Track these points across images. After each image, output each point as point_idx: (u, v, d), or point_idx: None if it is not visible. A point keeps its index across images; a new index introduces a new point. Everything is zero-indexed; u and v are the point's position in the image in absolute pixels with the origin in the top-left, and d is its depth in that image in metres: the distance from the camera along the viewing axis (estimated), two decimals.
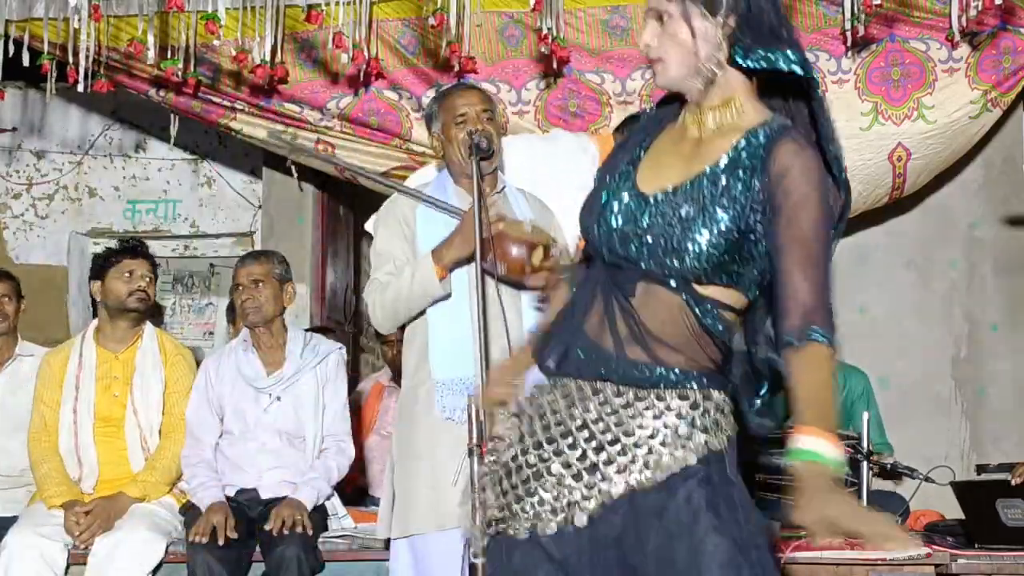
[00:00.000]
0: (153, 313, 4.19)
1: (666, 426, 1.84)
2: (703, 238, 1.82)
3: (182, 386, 3.83)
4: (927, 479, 3.72)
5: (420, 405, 2.93)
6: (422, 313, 2.93)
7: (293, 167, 5.23)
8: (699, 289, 1.86)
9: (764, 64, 1.83)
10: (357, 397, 4.79)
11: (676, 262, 1.83)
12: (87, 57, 4.21)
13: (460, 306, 2.88)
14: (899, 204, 4.87)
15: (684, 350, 1.86)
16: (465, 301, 2.87)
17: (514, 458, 1.94)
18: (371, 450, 4.67)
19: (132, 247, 3.94)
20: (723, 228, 1.82)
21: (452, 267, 2.85)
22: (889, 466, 3.84)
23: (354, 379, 5.19)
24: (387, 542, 3.12)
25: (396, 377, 4.76)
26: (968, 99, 4.40)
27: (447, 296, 2.89)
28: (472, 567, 2.03)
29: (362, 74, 4.41)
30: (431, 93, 4.53)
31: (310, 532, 3.46)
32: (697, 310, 1.85)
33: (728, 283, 1.86)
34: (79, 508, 3.58)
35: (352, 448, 3.79)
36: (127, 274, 3.84)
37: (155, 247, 5.87)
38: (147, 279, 3.87)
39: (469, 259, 2.77)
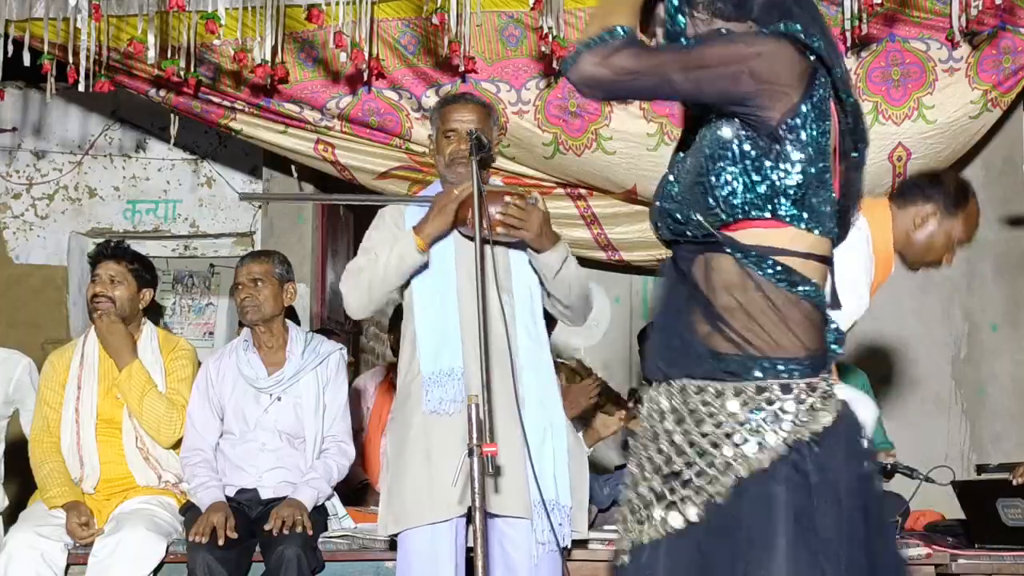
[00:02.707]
0: (154, 312, 4.17)
1: (743, 423, 1.76)
2: (711, 170, 1.80)
3: (183, 375, 3.81)
4: (927, 479, 3.71)
5: (412, 400, 2.95)
6: (399, 307, 2.98)
7: (293, 167, 5.23)
8: (743, 239, 1.78)
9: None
10: (356, 394, 4.77)
11: (703, 213, 1.79)
12: (87, 57, 4.21)
13: (447, 300, 2.90)
14: None
15: (762, 327, 1.75)
16: (452, 294, 2.89)
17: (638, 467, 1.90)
18: (382, 452, 4.62)
19: (100, 251, 3.89)
20: (719, 147, 1.81)
21: (432, 241, 2.89)
22: (889, 466, 3.84)
23: (354, 379, 5.18)
24: (391, 541, 3.13)
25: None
26: (968, 99, 4.40)
27: (424, 266, 2.92)
28: (470, 559, 2.04)
29: (363, 74, 4.41)
30: (431, 93, 4.54)
31: (310, 532, 3.45)
32: (750, 262, 1.77)
33: (768, 217, 1.77)
34: (83, 516, 3.57)
35: (352, 449, 3.79)
36: (94, 278, 3.83)
37: (155, 247, 5.93)
38: (112, 282, 3.79)
39: (447, 232, 2.88)
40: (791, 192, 1.77)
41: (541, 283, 2.97)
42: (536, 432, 2.84)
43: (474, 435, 2.35)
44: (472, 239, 2.70)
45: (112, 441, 3.77)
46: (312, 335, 3.94)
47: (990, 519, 3.38)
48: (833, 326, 1.79)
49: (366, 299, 2.98)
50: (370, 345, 6.66)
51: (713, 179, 1.79)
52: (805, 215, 1.78)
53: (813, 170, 1.77)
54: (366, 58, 4.28)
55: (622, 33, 1.81)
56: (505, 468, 2.69)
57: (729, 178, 1.78)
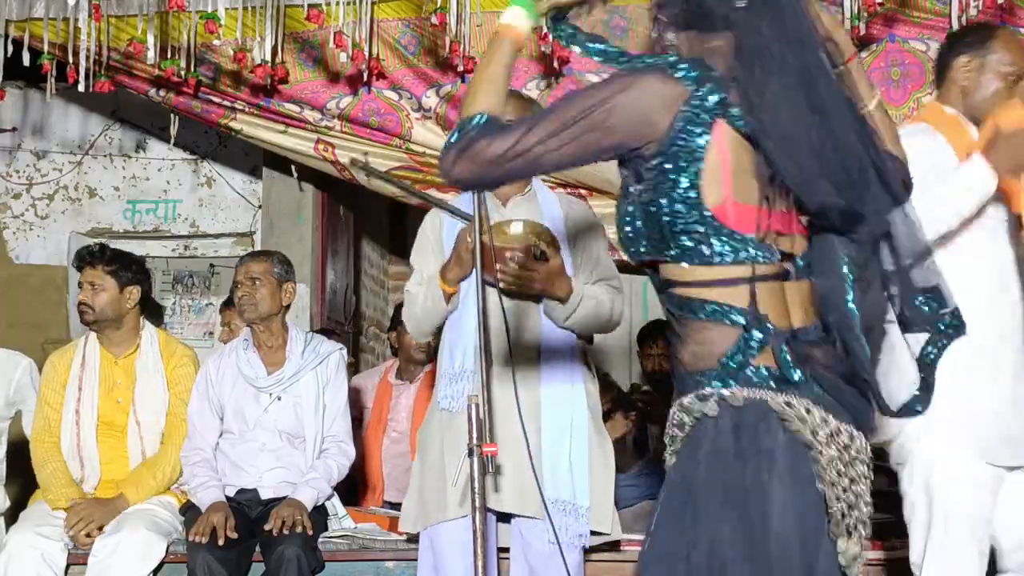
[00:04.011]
0: (154, 313, 4.17)
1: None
2: (619, 206, 1.79)
3: (184, 387, 3.82)
4: None
5: (435, 398, 3.01)
6: (398, 306, 3.01)
7: (293, 167, 5.23)
8: (663, 272, 1.79)
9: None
10: (356, 394, 4.77)
11: (623, 246, 1.80)
12: (87, 57, 4.22)
13: (467, 299, 2.92)
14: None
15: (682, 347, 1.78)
16: (472, 294, 2.90)
17: None
18: (384, 451, 4.63)
19: (81, 257, 3.89)
20: (623, 185, 1.78)
21: (456, 283, 2.91)
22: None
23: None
24: (408, 537, 3.17)
25: (401, 370, 4.75)
26: None
27: (454, 309, 2.95)
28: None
29: (363, 74, 4.41)
30: (431, 93, 4.54)
31: (310, 532, 3.46)
32: (663, 295, 1.79)
33: (662, 257, 1.76)
34: (77, 507, 3.58)
35: (353, 449, 3.79)
36: (79, 286, 3.84)
37: (155, 247, 5.94)
38: (92, 288, 3.80)
39: (471, 274, 2.84)
40: (672, 231, 1.72)
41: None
42: (554, 431, 2.86)
43: (474, 435, 2.36)
44: (492, 285, 2.75)
45: (113, 442, 3.78)
46: (312, 335, 3.95)
47: None
48: (757, 336, 1.72)
49: (419, 330, 3.06)
50: (370, 345, 6.67)
51: (619, 216, 1.78)
52: (694, 253, 1.73)
53: (685, 207, 1.71)
54: (366, 58, 4.28)
55: (480, 121, 1.76)
56: (521, 467, 2.70)
57: (628, 217, 1.76)
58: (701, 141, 1.69)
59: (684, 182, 1.70)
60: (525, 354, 2.88)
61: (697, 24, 1.79)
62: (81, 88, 4.29)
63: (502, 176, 1.78)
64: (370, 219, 6.59)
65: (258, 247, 5.56)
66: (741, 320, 1.71)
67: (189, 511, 3.64)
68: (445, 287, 2.90)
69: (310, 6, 4.09)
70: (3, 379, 3.99)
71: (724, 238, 1.70)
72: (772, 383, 1.70)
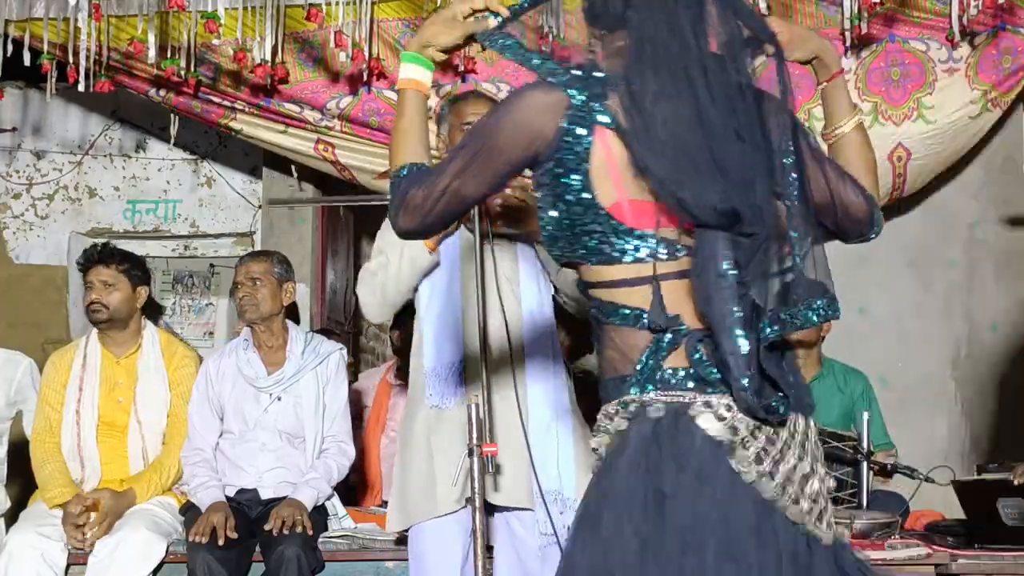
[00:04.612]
0: (154, 312, 4.17)
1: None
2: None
3: (187, 387, 3.82)
4: (927, 479, 3.72)
5: (417, 395, 2.96)
6: (413, 305, 2.96)
7: (293, 167, 5.23)
8: (580, 274, 1.81)
9: None
10: (357, 394, 4.77)
11: (548, 249, 1.82)
12: (87, 57, 4.22)
13: (451, 294, 2.90)
14: (899, 204, 4.87)
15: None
16: (456, 288, 2.89)
17: None
18: (382, 450, 4.63)
19: (89, 255, 3.88)
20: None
21: (440, 239, 2.88)
22: (889, 466, 3.84)
23: (354, 379, 5.17)
24: (393, 540, 3.14)
25: (401, 370, 4.75)
26: (968, 99, 4.40)
27: (436, 265, 2.91)
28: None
29: (363, 74, 4.41)
30: (431, 93, 4.53)
31: (310, 532, 3.46)
32: (583, 300, 1.82)
33: (576, 258, 1.78)
34: (81, 503, 3.57)
35: (353, 449, 3.79)
36: (88, 285, 3.84)
37: (155, 247, 5.94)
38: (106, 287, 3.79)
39: (455, 230, 2.84)
40: (574, 232, 1.74)
41: (549, 276, 2.96)
42: (541, 421, 2.85)
43: (474, 435, 2.35)
44: (468, 231, 2.71)
45: (114, 443, 3.78)
46: (312, 335, 3.94)
47: (990, 519, 3.38)
48: (667, 337, 1.72)
49: (380, 301, 2.99)
50: (370, 345, 6.67)
51: (539, 222, 1.79)
52: (598, 253, 1.75)
53: (581, 208, 1.72)
54: (366, 58, 4.28)
55: (404, 173, 1.82)
56: (510, 458, 2.69)
57: (543, 223, 1.78)
58: (586, 143, 1.72)
59: (576, 184, 1.72)
60: (504, 345, 2.85)
61: (601, 23, 1.81)
62: (81, 88, 4.30)
63: (437, 218, 1.82)
64: (370, 219, 6.59)
65: (258, 247, 5.56)
66: (647, 321, 1.71)
67: (189, 511, 3.64)
68: (429, 244, 2.86)
69: (310, 6, 4.09)
70: (4, 379, 3.98)
71: (623, 236, 1.72)
72: (690, 384, 1.69)
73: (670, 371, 1.69)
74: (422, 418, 2.92)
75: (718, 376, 1.67)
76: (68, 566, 3.55)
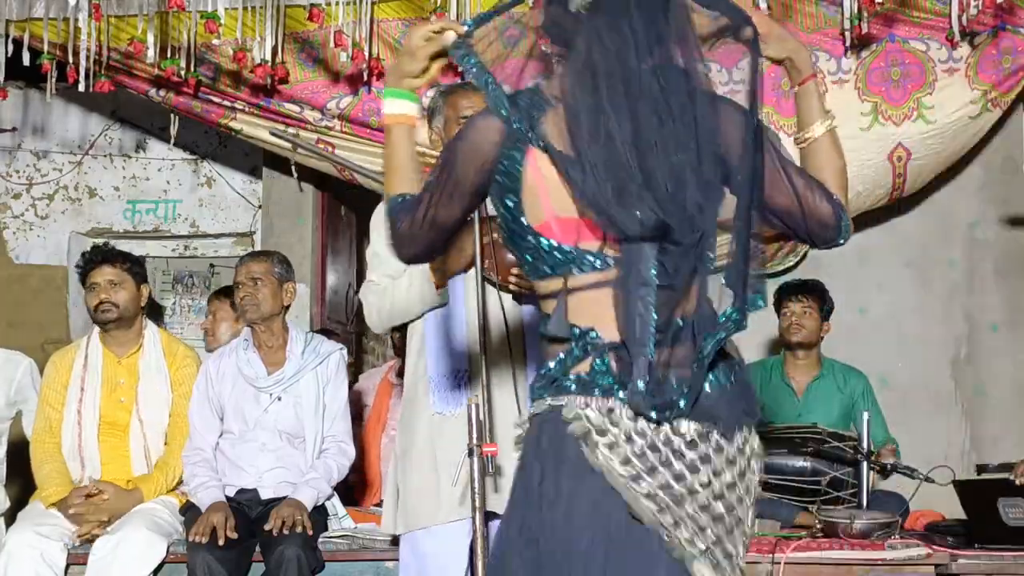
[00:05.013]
0: (155, 313, 4.18)
1: None
2: None
3: (188, 388, 3.82)
4: (927, 479, 3.72)
5: (419, 400, 2.93)
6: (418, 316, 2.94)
7: (293, 167, 5.23)
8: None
9: None
10: (357, 394, 4.77)
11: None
12: (87, 57, 4.22)
13: (454, 300, 2.88)
14: (899, 204, 4.87)
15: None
16: (459, 296, 2.87)
17: None
18: (382, 450, 4.63)
19: (91, 256, 3.89)
20: None
21: (447, 278, 2.85)
22: (889, 466, 3.84)
23: (356, 380, 5.17)
24: (393, 539, 3.13)
25: (403, 370, 4.75)
26: (968, 99, 4.40)
27: (444, 304, 2.89)
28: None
29: (363, 74, 4.41)
30: (431, 93, 4.53)
31: (310, 532, 3.46)
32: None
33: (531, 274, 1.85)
34: (81, 493, 3.57)
35: (353, 449, 3.79)
36: (92, 287, 3.84)
37: (155, 247, 5.94)
38: (113, 287, 3.80)
39: (466, 269, 2.80)
40: (518, 251, 1.83)
41: None
42: None
43: (474, 435, 2.35)
44: (490, 284, 2.70)
45: (115, 442, 3.78)
46: (312, 335, 3.95)
47: (990, 519, 3.39)
48: (576, 347, 1.75)
49: (387, 322, 2.99)
50: (370, 345, 6.66)
51: None
52: (534, 269, 1.81)
53: (518, 227, 1.79)
54: (366, 58, 4.28)
55: (396, 204, 1.87)
56: (509, 467, 2.67)
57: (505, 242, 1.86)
58: (519, 165, 1.77)
59: (511, 204, 1.79)
60: (505, 353, 2.84)
61: (552, 38, 1.88)
62: (81, 88, 4.30)
63: (426, 244, 1.88)
64: (370, 219, 6.58)
65: (258, 247, 5.56)
66: (552, 332, 1.76)
67: (189, 511, 3.64)
68: (438, 281, 2.84)
69: (310, 6, 4.09)
70: (4, 379, 3.99)
71: (551, 252, 1.77)
72: (575, 388, 1.72)
73: (572, 378, 1.73)
74: (424, 424, 2.89)
75: (610, 382, 1.70)
76: (68, 566, 3.55)
